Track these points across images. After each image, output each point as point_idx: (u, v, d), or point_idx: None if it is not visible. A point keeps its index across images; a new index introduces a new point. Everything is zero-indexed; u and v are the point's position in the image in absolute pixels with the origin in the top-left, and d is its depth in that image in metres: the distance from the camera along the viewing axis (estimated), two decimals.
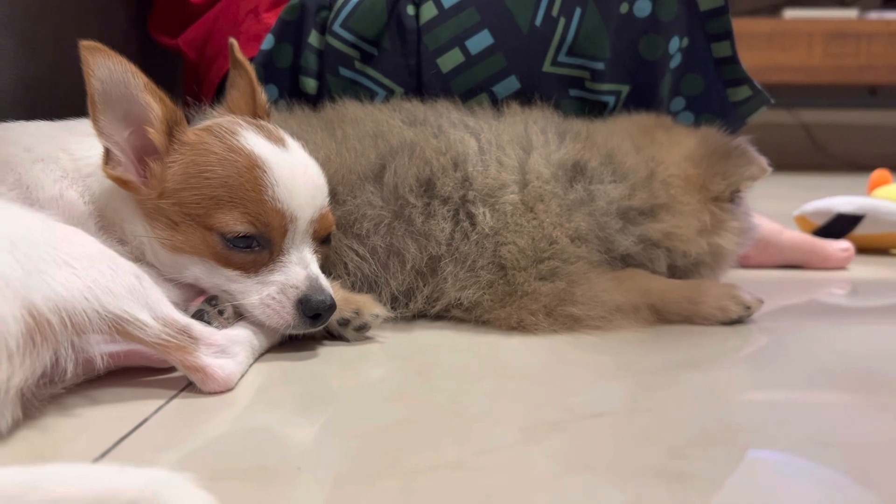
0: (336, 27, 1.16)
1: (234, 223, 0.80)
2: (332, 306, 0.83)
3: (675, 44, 1.14)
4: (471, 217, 0.97)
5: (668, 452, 0.63)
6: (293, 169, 0.84)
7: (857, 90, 3.43)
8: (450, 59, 1.12)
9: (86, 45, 0.78)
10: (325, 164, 0.91)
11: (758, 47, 3.00)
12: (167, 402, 0.72)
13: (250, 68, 0.94)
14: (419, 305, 0.97)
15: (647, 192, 1.02)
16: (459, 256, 0.96)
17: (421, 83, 1.14)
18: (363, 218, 0.95)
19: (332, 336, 0.91)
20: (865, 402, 0.76)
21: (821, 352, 0.92)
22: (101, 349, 0.70)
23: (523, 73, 1.12)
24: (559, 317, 0.94)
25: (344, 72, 1.16)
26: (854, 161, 3.27)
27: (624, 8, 1.10)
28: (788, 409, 0.74)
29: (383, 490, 0.56)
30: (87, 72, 0.78)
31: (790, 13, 3.18)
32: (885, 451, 0.65)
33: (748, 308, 1.00)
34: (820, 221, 1.52)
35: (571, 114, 1.12)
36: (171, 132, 0.82)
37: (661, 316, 0.99)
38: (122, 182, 0.82)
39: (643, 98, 1.16)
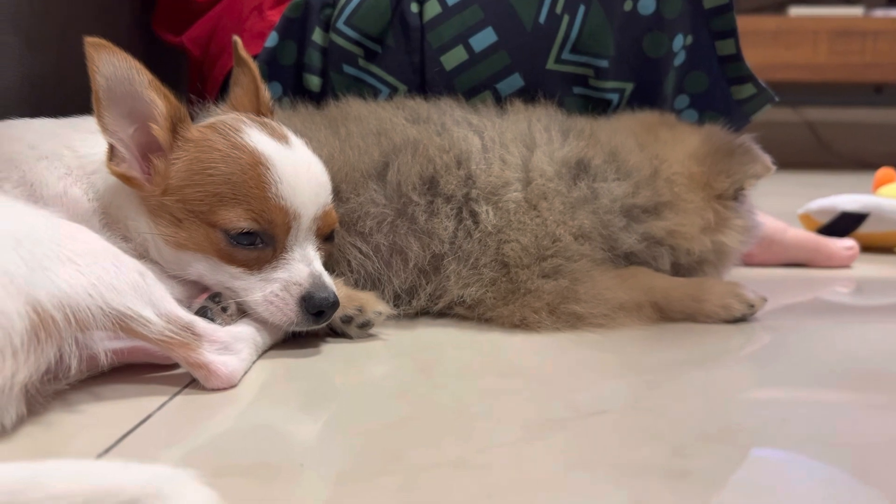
0: (340, 24, 1.15)
1: (238, 220, 0.81)
2: (335, 303, 0.83)
3: (679, 41, 1.13)
4: (474, 215, 0.97)
5: (671, 450, 0.63)
6: (297, 166, 0.84)
7: (863, 88, 3.42)
8: (453, 57, 1.12)
9: (91, 41, 0.78)
10: (328, 162, 0.91)
11: (763, 45, 2.99)
12: (170, 399, 0.72)
13: (254, 66, 0.94)
14: (422, 303, 0.97)
15: (651, 190, 1.02)
16: (462, 254, 0.96)
17: (424, 81, 1.14)
18: (366, 215, 0.95)
19: (336, 333, 0.91)
20: (868, 401, 0.76)
21: (824, 350, 0.92)
22: (105, 346, 0.70)
23: (527, 71, 1.12)
24: (562, 314, 0.94)
25: (348, 69, 1.16)
26: (859, 159, 3.25)
27: (628, 5, 1.10)
28: (791, 408, 0.74)
29: (385, 487, 0.56)
30: (91, 68, 0.79)
31: (795, 11, 3.17)
32: (887, 450, 0.65)
33: (752, 306, 1.00)
34: (824, 219, 1.51)
35: (575, 111, 1.12)
36: (175, 129, 0.83)
37: (665, 314, 0.99)
38: (126, 179, 0.83)
39: (647, 96, 1.16)
